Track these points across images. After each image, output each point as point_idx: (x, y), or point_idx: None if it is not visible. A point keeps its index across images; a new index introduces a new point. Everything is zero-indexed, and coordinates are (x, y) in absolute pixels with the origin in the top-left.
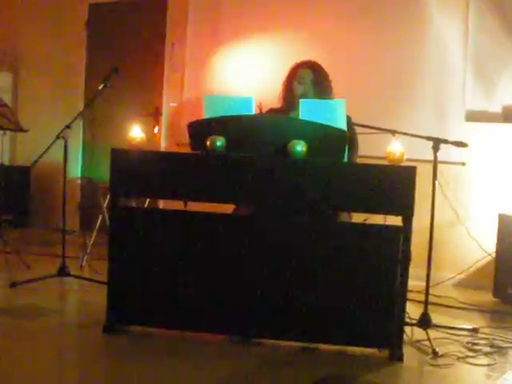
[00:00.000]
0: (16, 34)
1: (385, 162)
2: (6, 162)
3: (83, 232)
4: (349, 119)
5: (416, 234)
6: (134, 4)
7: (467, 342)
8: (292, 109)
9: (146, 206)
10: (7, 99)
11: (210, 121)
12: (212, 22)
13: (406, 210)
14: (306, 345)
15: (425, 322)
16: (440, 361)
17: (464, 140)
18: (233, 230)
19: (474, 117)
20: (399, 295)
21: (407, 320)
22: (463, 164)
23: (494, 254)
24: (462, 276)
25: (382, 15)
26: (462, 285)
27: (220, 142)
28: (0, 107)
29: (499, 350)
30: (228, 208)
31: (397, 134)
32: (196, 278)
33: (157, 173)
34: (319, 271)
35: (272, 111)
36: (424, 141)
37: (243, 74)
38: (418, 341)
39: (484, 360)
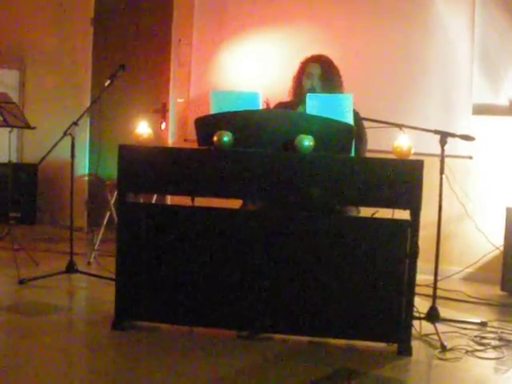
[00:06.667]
0: (22, 32)
1: (392, 156)
2: (14, 160)
3: (91, 229)
4: (357, 114)
5: (424, 228)
6: (140, 0)
7: (475, 336)
8: (300, 103)
9: (153, 201)
10: (14, 97)
11: (217, 116)
12: (218, 17)
13: (414, 204)
14: (314, 339)
15: (433, 316)
16: (448, 354)
17: (471, 133)
18: (240, 226)
19: (481, 110)
20: (407, 289)
21: (415, 314)
22: (470, 157)
23: (501, 248)
24: (470, 270)
25: (389, 9)
26: (469, 278)
27: (227, 137)
28: (7, 104)
29: (507, 344)
30: (235, 203)
31: (404, 128)
32: (204, 274)
33: (164, 169)
34: (327, 266)
35: (281, 105)
36: (431, 135)
37: (250, 69)
38: (427, 335)
39: (492, 354)
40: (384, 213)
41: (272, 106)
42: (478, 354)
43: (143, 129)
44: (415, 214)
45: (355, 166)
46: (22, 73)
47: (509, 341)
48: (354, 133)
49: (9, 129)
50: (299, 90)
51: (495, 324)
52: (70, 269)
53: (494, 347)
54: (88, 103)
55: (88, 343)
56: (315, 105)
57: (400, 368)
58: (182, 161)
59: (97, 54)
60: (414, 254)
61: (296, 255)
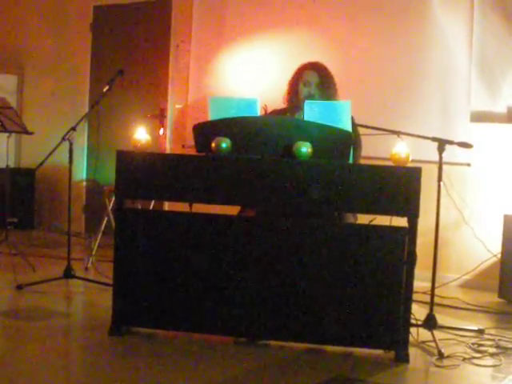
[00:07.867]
0: (21, 37)
1: (390, 163)
2: (12, 165)
3: (88, 234)
4: (352, 120)
5: (421, 235)
6: (138, 6)
7: (473, 343)
8: (297, 111)
9: (151, 208)
10: (12, 102)
11: (215, 122)
12: (217, 23)
13: (412, 211)
14: (311, 346)
15: (430, 323)
16: (446, 362)
17: (469, 141)
18: (238, 232)
19: (479, 117)
20: (405, 296)
21: (413, 321)
22: (468, 165)
23: (499, 255)
24: (468, 277)
25: (387, 16)
26: (467, 286)
27: (225, 143)
28: (5, 109)
29: (505, 351)
30: (233, 210)
31: (402, 135)
32: (201, 280)
33: (162, 175)
34: (325, 273)
35: (275, 113)
36: (429, 142)
37: (248, 75)
38: (424, 342)
39: (490, 361)
40: (381, 220)
41: (268, 112)
42: (476, 361)
43: (141, 135)
44: (413, 221)
45: (353, 172)
46: (20, 78)
47: (506, 348)
48: (352, 140)
49: (7, 134)
50: (295, 97)
51: (493, 331)
52: (68, 274)
53: (492, 355)
54: (86, 108)
55: (85, 349)
56: (313, 111)
57: (397, 375)
58: (180, 167)
59: (95, 60)
60: (411, 261)
61: (293, 262)
